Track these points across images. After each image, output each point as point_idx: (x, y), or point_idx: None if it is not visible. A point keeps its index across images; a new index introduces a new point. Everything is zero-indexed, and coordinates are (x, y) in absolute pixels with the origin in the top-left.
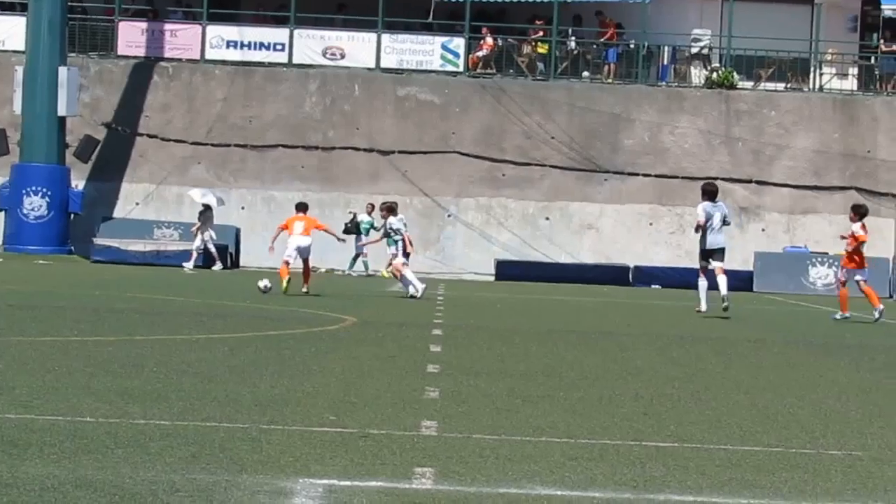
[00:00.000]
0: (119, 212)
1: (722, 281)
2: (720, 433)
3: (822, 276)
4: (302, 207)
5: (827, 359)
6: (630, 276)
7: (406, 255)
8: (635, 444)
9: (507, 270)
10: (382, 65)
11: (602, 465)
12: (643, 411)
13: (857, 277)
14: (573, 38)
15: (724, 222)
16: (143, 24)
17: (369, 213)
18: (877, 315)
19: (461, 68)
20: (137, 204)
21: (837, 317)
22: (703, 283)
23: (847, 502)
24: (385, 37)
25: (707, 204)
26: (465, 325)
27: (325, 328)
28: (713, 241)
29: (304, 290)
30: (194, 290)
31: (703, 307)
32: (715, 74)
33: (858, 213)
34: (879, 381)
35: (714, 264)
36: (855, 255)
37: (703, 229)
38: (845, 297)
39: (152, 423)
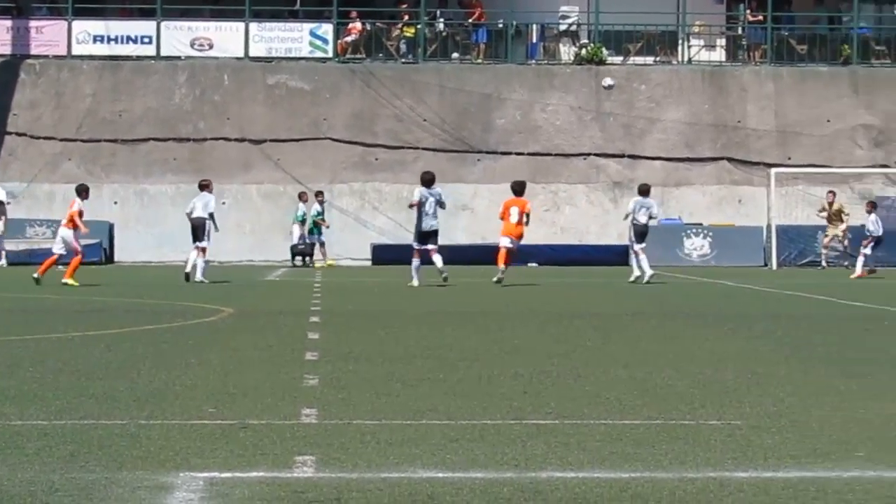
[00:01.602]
0: None
1: (437, 259)
2: (600, 408)
3: (697, 247)
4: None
5: (705, 329)
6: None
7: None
8: (516, 423)
9: (384, 254)
10: (251, 54)
11: (483, 446)
12: (523, 389)
13: None
14: (441, 19)
15: (439, 205)
16: (8, 22)
17: (321, 202)
18: None
19: (330, 54)
20: (9, 203)
21: None
22: (416, 261)
23: (727, 471)
24: (253, 25)
25: (423, 189)
26: (342, 311)
27: (203, 320)
28: (427, 224)
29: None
30: (68, 289)
31: (416, 283)
32: (584, 51)
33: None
34: (757, 349)
35: (429, 246)
36: None
37: (418, 213)
38: None
39: (29, 424)
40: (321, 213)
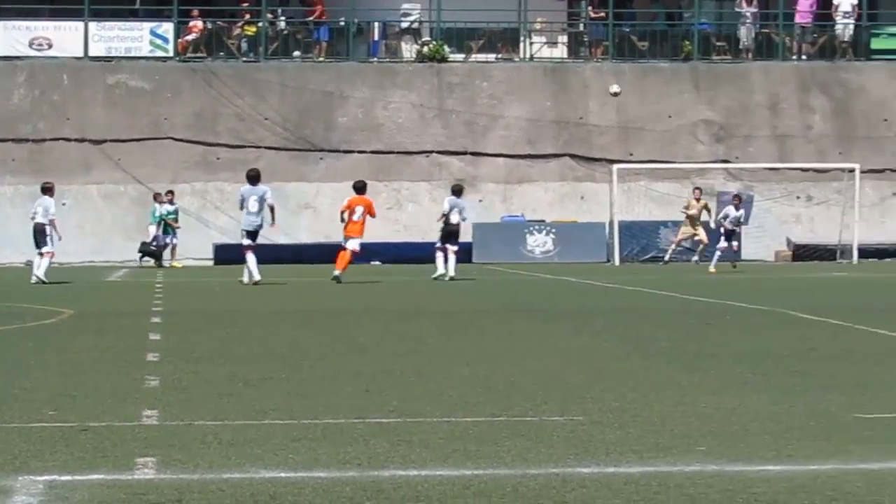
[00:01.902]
0: None
1: (251, 259)
2: (443, 406)
3: (540, 243)
4: None
5: (547, 325)
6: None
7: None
8: (358, 422)
9: (226, 254)
10: (91, 53)
11: (326, 445)
12: (365, 388)
13: None
14: (283, 18)
15: (261, 204)
16: None
17: (171, 202)
18: None
19: (171, 53)
20: None
21: None
22: (251, 257)
23: (570, 467)
24: (92, 25)
25: (246, 187)
26: (184, 311)
27: (43, 322)
28: (248, 222)
29: None
30: None
31: (246, 279)
32: (426, 48)
33: None
34: (600, 345)
35: (250, 242)
36: None
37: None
38: None
39: None
40: (170, 213)
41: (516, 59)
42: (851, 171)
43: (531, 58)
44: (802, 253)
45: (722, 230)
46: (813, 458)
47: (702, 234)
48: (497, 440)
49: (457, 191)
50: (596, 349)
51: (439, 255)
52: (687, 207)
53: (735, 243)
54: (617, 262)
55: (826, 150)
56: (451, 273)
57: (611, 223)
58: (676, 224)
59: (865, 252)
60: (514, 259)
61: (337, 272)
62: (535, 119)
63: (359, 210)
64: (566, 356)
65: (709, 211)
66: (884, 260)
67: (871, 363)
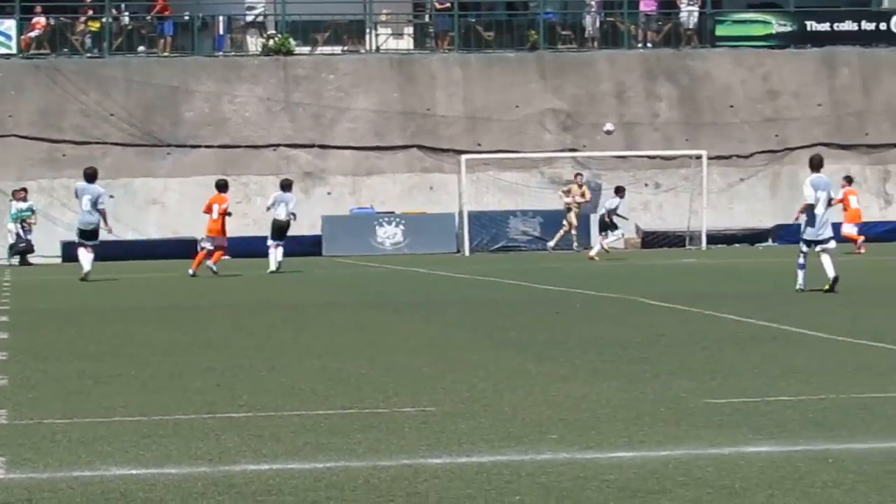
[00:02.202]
0: None
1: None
2: (294, 399)
3: (389, 235)
4: None
5: (397, 317)
6: (199, 248)
7: None
8: (209, 417)
9: (74, 252)
10: None
11: (176, 441)
12: (216, 383)
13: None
14: (126, 13)
15: (95, 205)
16: None
17: (24, 199)
18: None
19: (14, 50)
20: None
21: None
22: (85, 253)
23: (421, 458)
24: None
25: (80, 184)
26: (33, 310)
27: None
28: (84, 220)
29: None
30: None
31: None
32: (271, 42)
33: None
34: (450, 335)
35: (87, 243)
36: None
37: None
38: None
39: None
40: (24, 211)
41: (362, 52)
42: (699, 157)
43: (377, 49)
44: (651, 240)
45: (607, 219)
46: (664, 444)
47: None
48: (348, 432)
49: (285, 185)
50: (446, 340)
51: (272, 251)
52: (568, 192)
53: (621, 231)
54: (467, 252)
55: (673, 138)
56: (272, 267)
57: (460, 213)
58: (525, 213)
59: (714, 238)
60: (364, 251)
61: (193, 271)
62: (382, 111)
63: (215, 208)
64: (417, 348)
65: (584, 198)
66: (732, 245)
67: (720, 348)
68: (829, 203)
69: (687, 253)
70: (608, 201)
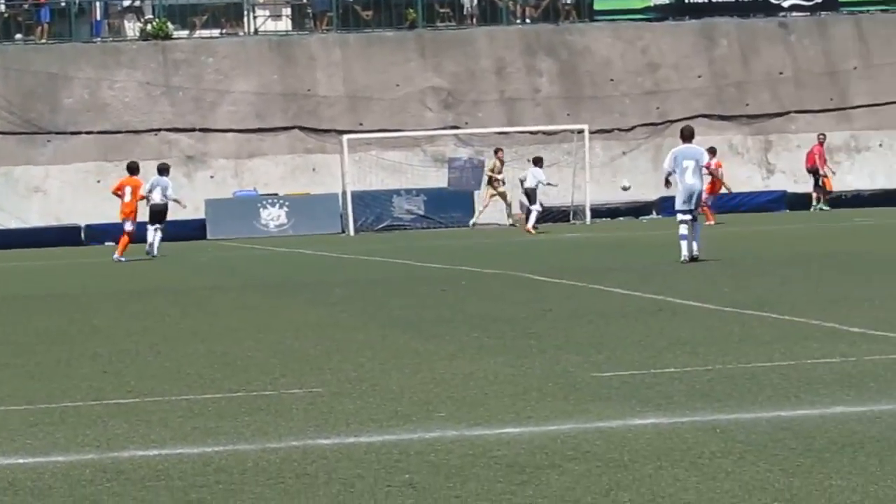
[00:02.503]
0: None
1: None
2: (181, 384)
3: (273, 217)
4: None
5: (284, 299)
6: (82, 235)
7: None
8: (96, 404)
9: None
10: None
11: (63, 429)
12: (102, 370)
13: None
14: (2, 1)
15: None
16: None
17: None
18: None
19: None
20: None
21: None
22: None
23: (310, 439)
24: None
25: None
26: None
27: None
28: None
29: None
30: None
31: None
32: (149, 26)
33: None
34: (336, 316)
35: None
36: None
37: None
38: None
39: None
40: None
41: (241, 34)
42: (580, 131)
43: (256, 32)
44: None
45: (528, 192)
46: (552, 419)
47: (503, 191)
48: (236, 416)
49: (161, 170)
50: (332, 321)
51: (150, 234)
52: (492, 170)
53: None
54: (352, 232)
55: (554, 113)
56: (154, 252)
57: (343, 194)
58: (409, 192)
59: (598, 212)
60: (248, 234)
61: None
62: (262, 93)
63: (128, 190)
64: (303, 329)
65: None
66: (616, 219)
67: (606, 322)
68: (702, 172)
69: (571, 228)
70: (533, 172)
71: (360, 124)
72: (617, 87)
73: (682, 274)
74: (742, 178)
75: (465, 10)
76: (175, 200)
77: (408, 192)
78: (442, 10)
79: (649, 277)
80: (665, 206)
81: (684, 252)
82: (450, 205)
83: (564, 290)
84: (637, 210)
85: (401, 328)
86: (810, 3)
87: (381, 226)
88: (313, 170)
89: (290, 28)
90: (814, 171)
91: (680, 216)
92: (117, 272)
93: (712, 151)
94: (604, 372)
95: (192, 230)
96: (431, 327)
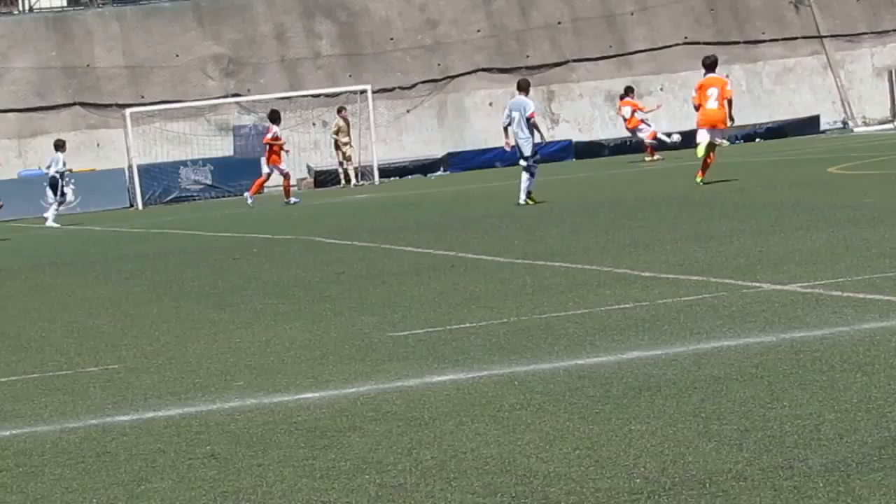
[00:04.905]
0: None
1: None
2: None
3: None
4: None
5: (75, 277)
6: None
7: None
8: None
9: None
10: None
11: None
12: None
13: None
14: None
15: None
16: None
17: None
18: None
19: None
20: None
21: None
22: None
23: (109, 416)
24: None
25: None
26: None
27: None
28: None
29: None
30: None
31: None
32: None
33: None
34: (129, 291)
35: None
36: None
37: None
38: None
39: None
40: None
41: (16, 12)
42: (363, 92)
43: (31, 10)
44: (324, 179)
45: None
46: (351, 381)
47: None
48: (33, 397)
49: None
50: (125, 296)
51: None
52: (337, 132)
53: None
54: (140, 206)
55: (336, 75)
56: None
57: (129, 168)
58: (196, 162)
59: (386, 171)
60: (37, 213)
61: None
62: (42, 69)
63: None
64: (96, 306)
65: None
66: (405, 178)
67: (400, 281)
68: (528, 122)
69: (361, 188)
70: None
71: (142, 97)
72: (398, 46)
73: (474, 229)
74: None
75: None
76: None
77: (194, 162)
78: None
79: (441, 235)
80: (452, 161)
81: (521, 198)
82: (237, 173)
83: (357, 252)
84: (425, 167)
85: (195, 299)
86: None
87: (169, 198)
88: (98, 145)
89: (65, 4)
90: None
91: (521, 161)
92: None
93: (628, 90)
94: (400, 331)
95: None
96: (226, 296)
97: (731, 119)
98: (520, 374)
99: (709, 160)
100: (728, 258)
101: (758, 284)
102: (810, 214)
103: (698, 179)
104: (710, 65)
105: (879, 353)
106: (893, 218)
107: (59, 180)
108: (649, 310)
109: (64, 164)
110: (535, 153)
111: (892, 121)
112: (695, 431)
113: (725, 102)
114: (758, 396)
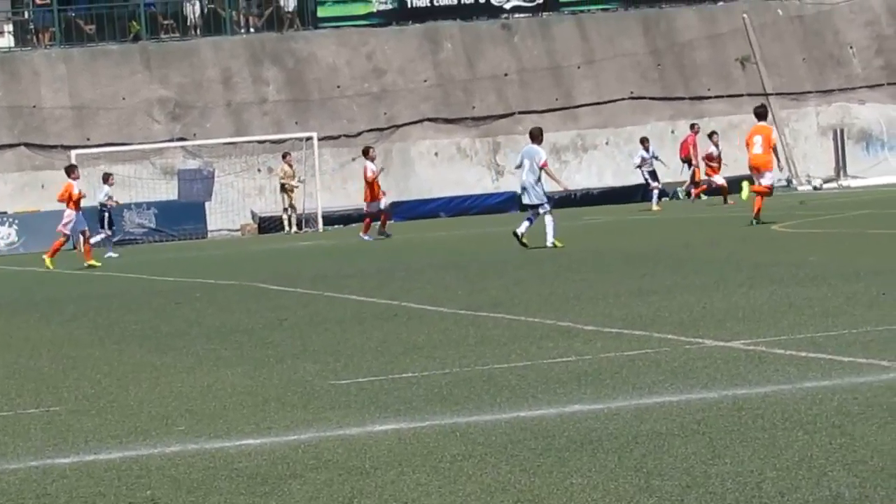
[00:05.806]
0: None
1: None
2: None
3: (3, 236)
4: None
5: (16, 317)
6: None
7: None
8: None
9: None
10: None
11: None
12: None
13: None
14: None
15: None
16: None
17: None
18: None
19: None
20: None
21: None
22: None
23: (49, 458)
24: None
25: None
26: None
27: None
28: None
29: None
30: None
31: None
32: None
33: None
34: (71, 333)
35: None
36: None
37: None
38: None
39: None
40: None
41: None
42: (309, 139)
43: None
44: (268, 225)
45: None
46: (292, 429)
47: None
48: None
49: None
50: (67, 338)
51: None
52: (283, 177)
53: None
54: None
55: (282, 121)
56: None
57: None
58: (140, 206)
59: (330, 219)
60: None
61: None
62: None
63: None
64: (38, 347)
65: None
66: (349, 225)
67: (342, 329)
68: (540, 169)
69: (305, 236)
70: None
71: (88, 139)
72: (344, 94)
73: (417, 278)
74: (472, 180)
75: (188, 21)
76: None
77: (138, 205)
78: (165, 22)
79: (384, 283)
80: (397, 210)
81: (521, 229)
82: (182, 217)
83: (300, 299)
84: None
85: (137, 342)
86: (531, 4)
87: (113, 240)
88: (42, 186)
89: (12, 44)
90: (688, 161)
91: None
92: None
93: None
94: (342, 379)
95: None
96: (168, 340)
97: (778, 162)
98: (461, 425)
99: (758, 203)
100: (671, 313)
101: (700, 340)
102: (753, 271)
103: (753, 221)
104: (759, 114)
105: (821, 411)
106: (836, 277)
107: (105, 212)
108: (591, 363)
109: (106, 196)
110: (549, 197)
111: (836, 179)
112: (636, 486)
113: (770, 149)
114: (699, 453)
